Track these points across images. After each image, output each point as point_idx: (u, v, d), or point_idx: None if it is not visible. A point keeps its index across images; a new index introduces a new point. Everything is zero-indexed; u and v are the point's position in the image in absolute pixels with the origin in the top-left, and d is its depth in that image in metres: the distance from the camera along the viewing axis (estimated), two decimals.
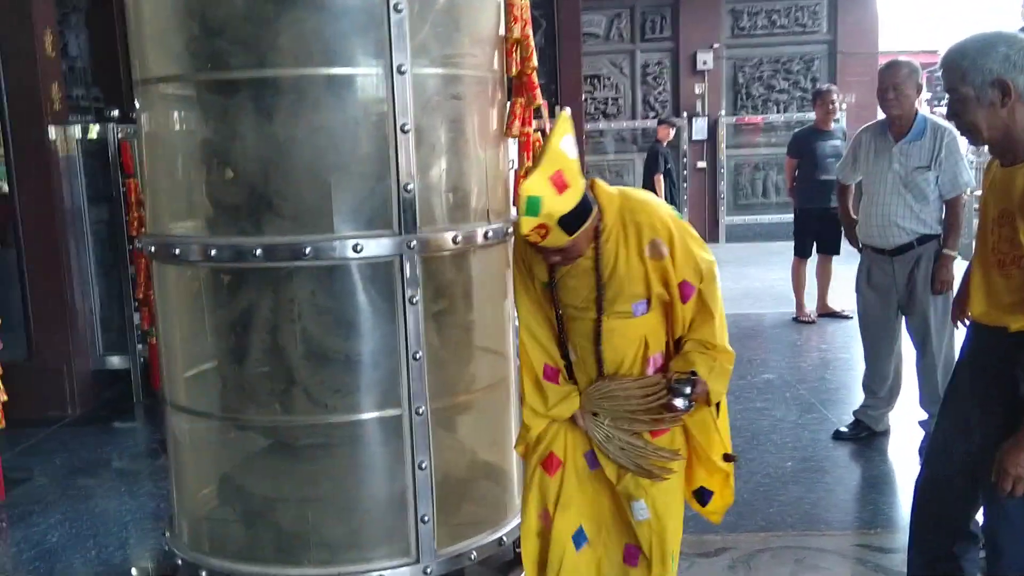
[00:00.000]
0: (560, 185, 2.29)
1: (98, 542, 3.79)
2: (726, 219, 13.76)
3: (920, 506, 2.65)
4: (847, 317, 7.43)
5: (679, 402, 2.45)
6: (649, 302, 2.53)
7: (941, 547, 2.58)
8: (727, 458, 2.65)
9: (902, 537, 3.53)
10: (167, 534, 3.28)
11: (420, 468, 2.95)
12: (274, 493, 3.10)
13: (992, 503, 2.33)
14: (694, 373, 2.46)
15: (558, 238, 2.33)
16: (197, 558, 3.10)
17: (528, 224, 2.29)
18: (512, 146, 3.57)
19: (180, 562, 3.13)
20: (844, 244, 6.89)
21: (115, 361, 5.95)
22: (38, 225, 5.53)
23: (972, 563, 2.55)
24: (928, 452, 2.69)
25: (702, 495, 2.78)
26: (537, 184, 2.28)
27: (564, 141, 2.33)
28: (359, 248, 2.80)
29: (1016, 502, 2.26)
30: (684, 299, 2.51)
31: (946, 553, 2.57)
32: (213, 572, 3.03)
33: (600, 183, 2.54)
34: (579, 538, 2.65)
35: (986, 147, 2.41)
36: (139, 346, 5.85)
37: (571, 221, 2.32)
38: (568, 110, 2.47)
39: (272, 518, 3.08)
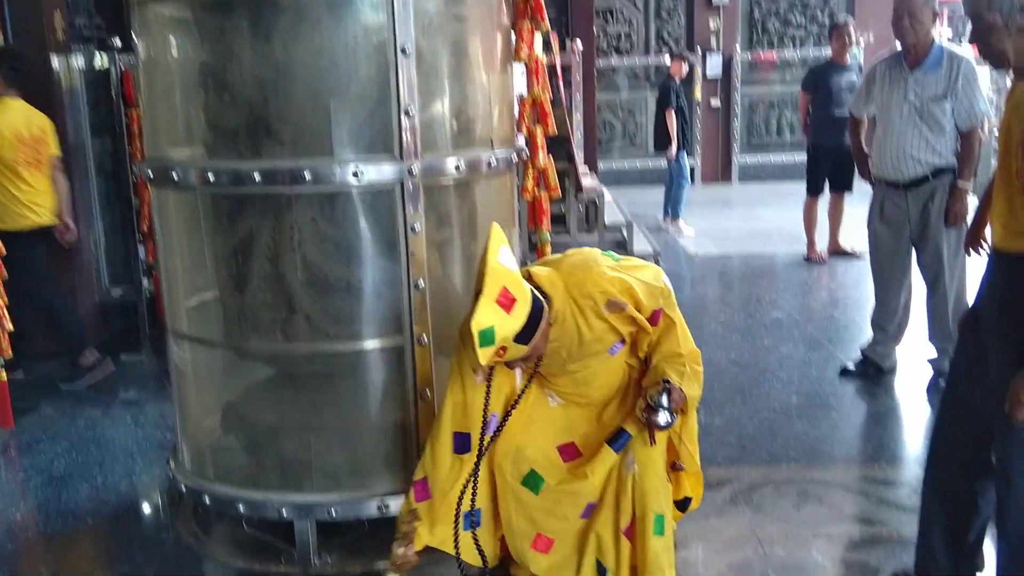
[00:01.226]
0: (507, 304, 2.31)
1: (104, 470, 3.82)
2: (739, 159, 13.59)
3: (937, 439, 2.62)
4: (858, 256, 7.37)
5: (661, 418, 2.47)
6: (624, 340, 2.61)
7: (958, 483, 2.55)
8: (674, 467, 2.69)
9: (906, 471, 3.53)
10: (171, 462, 3.29)
11: (422, 398, 2.95)
12: (277, 421, 3.11)
13: (1005, 433, 2.30)
14: (667, 381, 2.49)
15: (516, 352, 2.37)
16: (201, 485, 3.12)
17: (485, 355, 2.30)
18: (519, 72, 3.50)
19: (184, 488, 3.15)
20: (857, 182, 6.82)
21: (121, 294, 5.95)
22: None
23: (986, 498, 2.52)
24: (947, 385, 2.64)
25: (684, 503, 2.82)
26: (485, 314, 2.28)
27: (500, 255, 2.33)
28: (359, 174, 2.75)
29: None
30: (655, 323, 2.60)
31: (964, 489, 2.54)
32: (216, 498, 3.05)
33: (536, 272, 2.53)
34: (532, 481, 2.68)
35: (1009, 73, 2.33)
36: (144, 279, 5.84)
37: (526, 332, 2.35)
38: (496, 225, 2.45)
39: (275, 446, 3.08)
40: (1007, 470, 2.33)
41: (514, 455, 2.64)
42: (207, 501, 3.07)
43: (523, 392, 2.65)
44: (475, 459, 2.61)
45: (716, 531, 3.09)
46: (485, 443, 2.60)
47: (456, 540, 2.66)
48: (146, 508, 3.54)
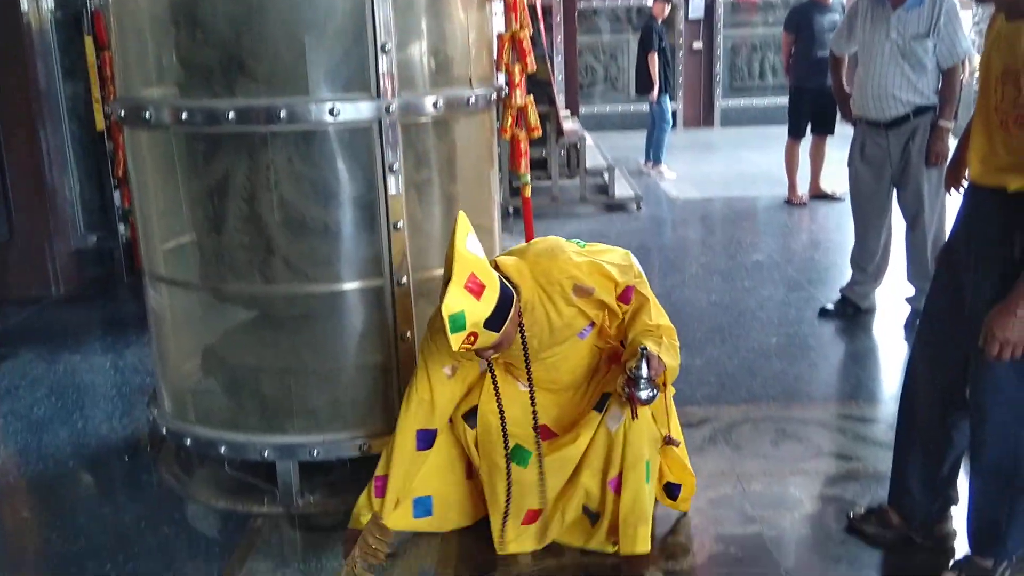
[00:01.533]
0: (477, 289, 2.30)
1: (84, 414, 3.81)
2: (721, 102, 13.53)
3: (912, 374, 2.63)
4: (839, 199, 7.39)
5: (643, 393, 2.45)
6: (593, 323, 2.63)
7: (931, 417, 2.58)
8: (668, 441, 2.67)
9: (883, 408, 3.57)
10: (151, 406, 3.29)
11: (403, 339, 2.94)
12: (257, 364, 3.10)
13: (981, 368, 2.32)
14: (644, 349, 2.46)
15: (487, 339, 2.35)
16: (182, 428, 3.12)
17: (457, 341, 2.29)
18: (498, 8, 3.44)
19: (165, 431, 3.15)
20: (839, 126, 6.80)
21: (97, 240, 5.88)
22: (11, 100, 5.36)
23: (962, 433, 2.55)
24: (922, 319, 2.65)
25: (671, 490, 2.83)
26: (455, 299, 2.26)
27: (467, 242, 2.33)
28: (336, 112, 2.71)
29: (1007, 368, 2.25)
30: (627, 301, 2.62)
31: (937, 423, 2.56)
32: (198, 440, 3.06)
33: (503, 261, 2.52)
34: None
35: (990, 6, 2.31)
36: (121, 225, 5.77)
37: (496, 319, 2.33)
38: (463, 213, 2.42)
39: (255, 388, 3.08)
40: (981, 405, 2.35)
41: (496, 433, 2.63)
42: (188, 443, 3.08)
43: (489, 374, 2.64)
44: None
45: (696, 468, 3.11)
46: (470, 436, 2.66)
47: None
48: (127, 452, 3.53)
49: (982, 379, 2.33)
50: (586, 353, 2.71)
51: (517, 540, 2.67)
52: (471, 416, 2.66)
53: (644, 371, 2.43)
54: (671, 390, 2.71)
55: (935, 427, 2.57)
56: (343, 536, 2.68)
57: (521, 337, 2.52)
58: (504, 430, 2.60)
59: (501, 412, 2.59)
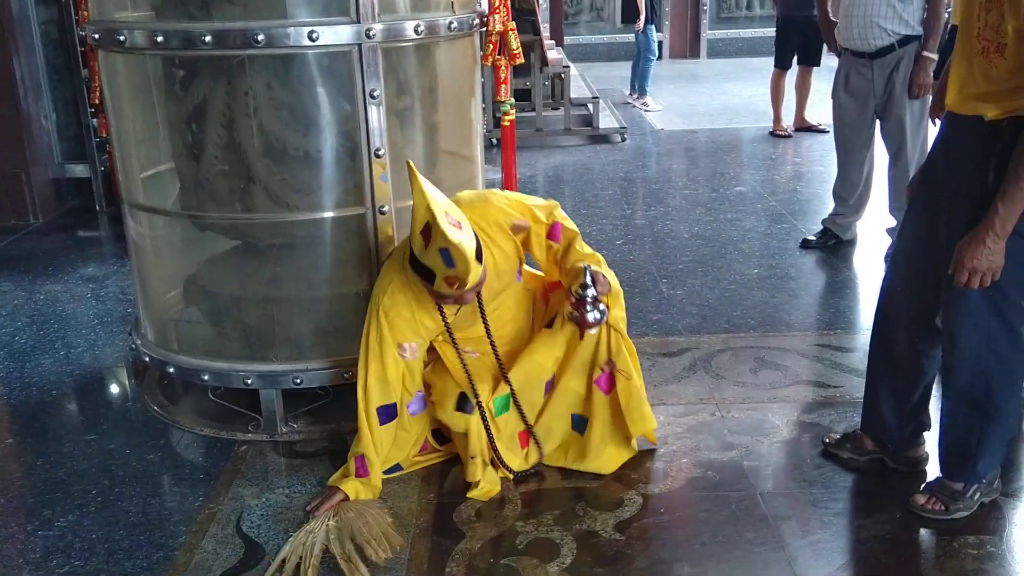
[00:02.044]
0: (456, 224, 2.38)
1: (67, 343, 3.80)
2: (708, 33, 13.37)
3: (884, 301, 2.66)
4: (824, 131, 7.36)
5: (591, 315, 2.49)
6: (520, 269, 2.78)
7: (903, 343, 2.61)
8: (614, 367, 2.70)
9: (861, 338, 3.61)
10: (133, 335, 3.28)
11: None
12: (239, 292, 3.09)
13: (953, 295, 2.34)
14: (588, 267, 2.51)
15: (476, 272, 2.39)
16: (165, 356, 3.12)
17: (477, 271, 2.37)
18: None
19: (148, 360, 3.16)
20: (825, 57, 6.74)
21: (75, 170, 5.80)
22: None
23: (933, 360, 2.59)
24: (895, 246, 2.68)
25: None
26: (449, 232, 2.31)
27: (427, 187, 2.37)
28: (315, 36, 2.66)
29: (979, 295, 2.28)
30: (556, 238, 2.72)
31: (908, 349, 2.60)
32: (181, 368, 3.06)
33: None
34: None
35: None
36: (99, 154, 5.69)
37: (478, 251, 2.41)
38: (410, 161, 2.47)
39: (238, 317, 3.08)
40: (953, 331, 2.38)
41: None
42: (172, 372, 3.08)
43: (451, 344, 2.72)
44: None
45: (676, 395, 3.17)
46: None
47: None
48: (111, 380, 3.54)
49: (955, 306, 2.36)
50: (524, 296, 2.87)
51: (495, 475, 2.71)
52: (464, 403, 2.64)
53: (591, 291, 2.48)
54: (621, 317, 2.73)
55: (907, 354, 2.61)
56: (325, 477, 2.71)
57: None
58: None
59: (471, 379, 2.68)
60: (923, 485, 2.58)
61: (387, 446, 2.68)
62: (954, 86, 2.35)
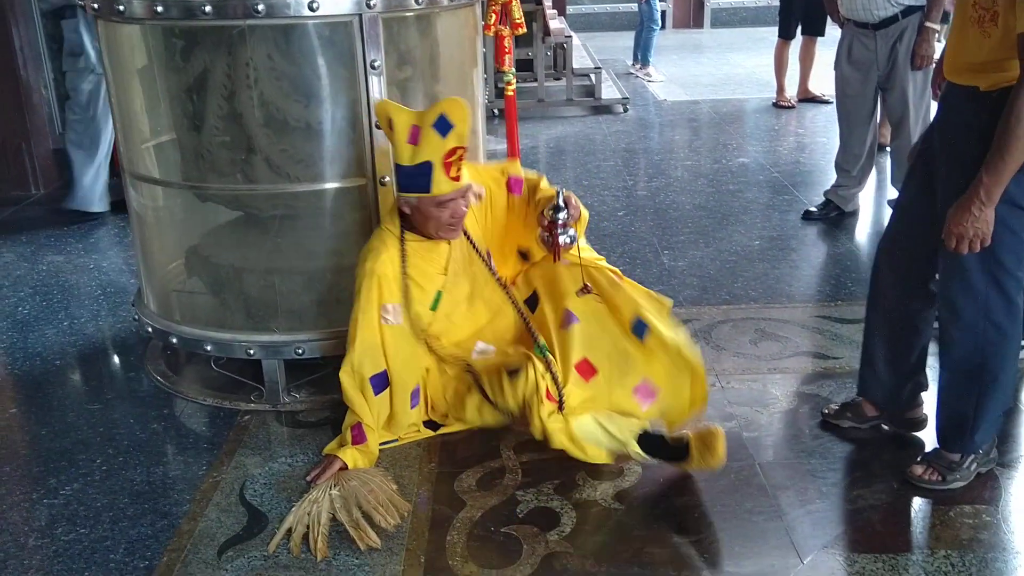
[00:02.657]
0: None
1: (70, 314, 3.82)
2: (712, 3, 13.26)
3: (880, 264, 2.68)
4: (827, 102, 7.32)
5: (564, 237, 2.64)
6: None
7: (898, 306, 2.64)
8: (586, 290, 2.73)
9: (862, 310, 3.58)
10: (136, 305, 3.30)
11: None
12: (241, 263, 3.10)
13: (949, 265, 2.35)
14: (560, 190, 2.66)
15: (463, 161, 2.55)
16: (168, 326, 3.13)
17: (449, 144, 2.50)
18: None
19: (151, 330, 3.17)
20: (829, 27, 6.69)
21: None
22: None
23: (927, 323, 2.62)
24: (893, 211, 2.70)
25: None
26: (436, 106, 2.52)
27: (395, 110, 2.57)
28: (315, 6, 2.65)
29: (976, 265, 2.29)
30: (518, 191, 2.85)
31: (903, 312, 2.63)
32: (184, 339, 3.08)
33: None
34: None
35: None
36: None
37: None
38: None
39: (240, 287, 3.09)
40: (951, 302, 2.40)
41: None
42: (174, 342, 3.10)
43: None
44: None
45: None
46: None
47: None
48: (114, 350, 3.56)
49: (952, 276, 2.38)
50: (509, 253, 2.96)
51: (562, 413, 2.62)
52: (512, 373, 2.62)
53: (563, 213, 2.62)
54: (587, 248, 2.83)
55: (899, 311, 2.64)
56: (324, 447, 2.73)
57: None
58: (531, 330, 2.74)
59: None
60: (920, 456, 2.59)
61: (384, 415, 2.70)
62: (950, 55, 2.36)
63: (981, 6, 2.21)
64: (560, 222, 2.62)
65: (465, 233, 2.76)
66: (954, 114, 2.36)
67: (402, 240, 2.69)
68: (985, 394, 2.42)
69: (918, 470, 2.54)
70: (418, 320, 2.68)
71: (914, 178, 2.54)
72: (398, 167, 2.60)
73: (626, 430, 2.59)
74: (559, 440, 2.57)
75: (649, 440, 2.60)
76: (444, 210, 2.59)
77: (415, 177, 2.55)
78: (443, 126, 2.48)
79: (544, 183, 2.81)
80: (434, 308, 2.73)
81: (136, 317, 3.26)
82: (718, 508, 2.45)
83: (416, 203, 2.60)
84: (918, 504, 2.46)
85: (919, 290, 2.57)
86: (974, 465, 2.52)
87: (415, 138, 2.51)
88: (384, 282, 2.64)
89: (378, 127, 2.72)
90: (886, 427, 2.78)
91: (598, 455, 2.61)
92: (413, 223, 2.67)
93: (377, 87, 2.79)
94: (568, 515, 2.43)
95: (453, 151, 2.52)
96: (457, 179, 2.57)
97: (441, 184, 2.54)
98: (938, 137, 2.42)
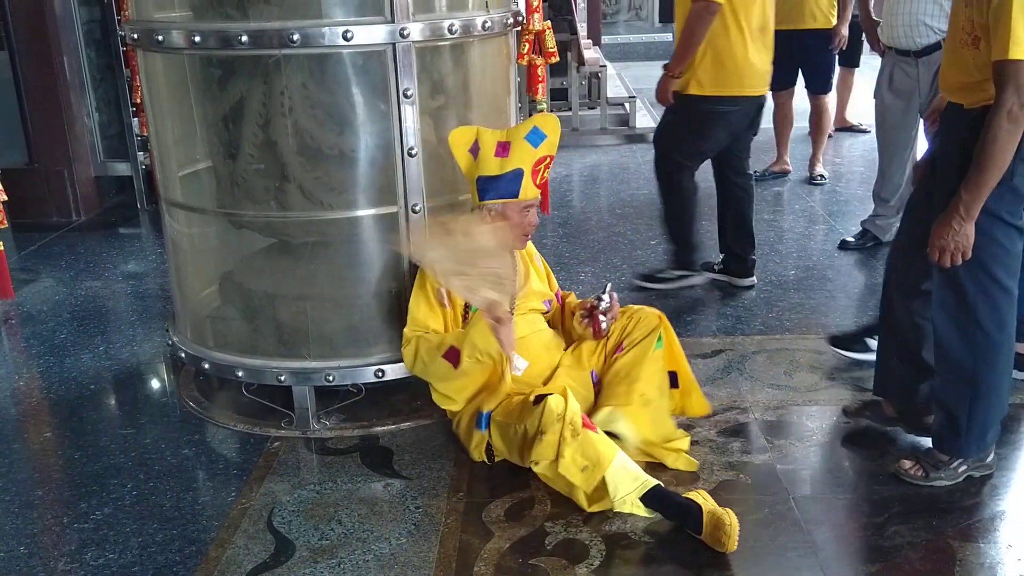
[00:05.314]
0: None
1: (106, 339, 3.86)
2: None
3: (888, 269, 2.85)
4: (864, 131, 7.25)
5: (604, 324, 2.83)
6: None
7: (900, 306, 2.76)
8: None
9: None
10: (170, 331, 3.33)
11: (417, 266, 2.94)
12: (274, 290, 3.11)
13: (940, 273, 2.49)
14: (609, 285, 2.87)
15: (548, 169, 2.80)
16: (201, 352, 3.15)
17: (546, 148, 2.72)
18: None
19: (184, 355, 3.19)
20: (865, 56, 6.64)
21: (117, 168, 5.89)
22: (28, 26, 5.34)
23: (927, 320, 2.68)
24: (902, 218, 2.86)
25: (672, 378, 2.94)
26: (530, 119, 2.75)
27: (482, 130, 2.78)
28: (349, 35, 2.68)
29: (965, 274, 2.42)
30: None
31: (905, 313, 2.76)
32: (216, 364, 3.10)
33: None
34: None
35: None
36: (140, 153, 5.77)
37: None
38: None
39: (272, 314, 3.10)
40: (943, 309, 2.54)
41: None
42: (207, 367, 3.12)
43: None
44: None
45: (709, 397, 3.12)
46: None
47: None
48: (148, 375, 3.59)
49: (943, 284, 2.52)
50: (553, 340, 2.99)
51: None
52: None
53: (604, 303, 2.81)
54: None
55: (903, 314, 2.77)
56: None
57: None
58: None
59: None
60: (913, 450, 2.70)
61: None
62: (943, 74, 2.52)
63: (965, 30, 2.34)
64: (602, 308, 2.81)
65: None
66: (945, 130, 2.52)
67: None
68: (977, 399, 2.52)
69: (906, 464, 2.64)
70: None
71: (919, 190, 2.68)
72: (483, 179, 2.73)
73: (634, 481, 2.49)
74: (569, 466, 2.47)
75: (659, 496, 2.48)
76: (525, 215, 2.76)
77: (504, 184, 2.71)
78: (536, 137, 2.70)
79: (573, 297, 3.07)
80: (475, 309, 2.75)
81: (170, 343, 3.29)
82: (751, 543, 2.39)
83: (501, 209, 2.74)
84: (958, 543, 2.39)
85: (917, 290, 2.68)
86: (963, 468, 2.60)
87: (504, 151, 2.70)
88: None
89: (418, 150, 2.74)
90: (902, 425, 2.87)
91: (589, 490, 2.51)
92: None
93: (410, 116, 2.81)
94: (597, 547, 2.39)
95: (543, 159, 2.73)
96: (540, 187, 2.76)
97: (528, 190, 2.72)
98: (939, 152, 2.56)
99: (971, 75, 2.34)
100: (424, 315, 2.78)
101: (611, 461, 2.46)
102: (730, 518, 2.33)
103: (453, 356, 2.68)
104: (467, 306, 2.78)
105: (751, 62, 3.83)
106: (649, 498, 2.46)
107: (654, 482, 2.48)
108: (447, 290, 2.74)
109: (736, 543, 2.32)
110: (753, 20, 3.79)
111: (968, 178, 2.31)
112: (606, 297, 2.82)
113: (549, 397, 2.52)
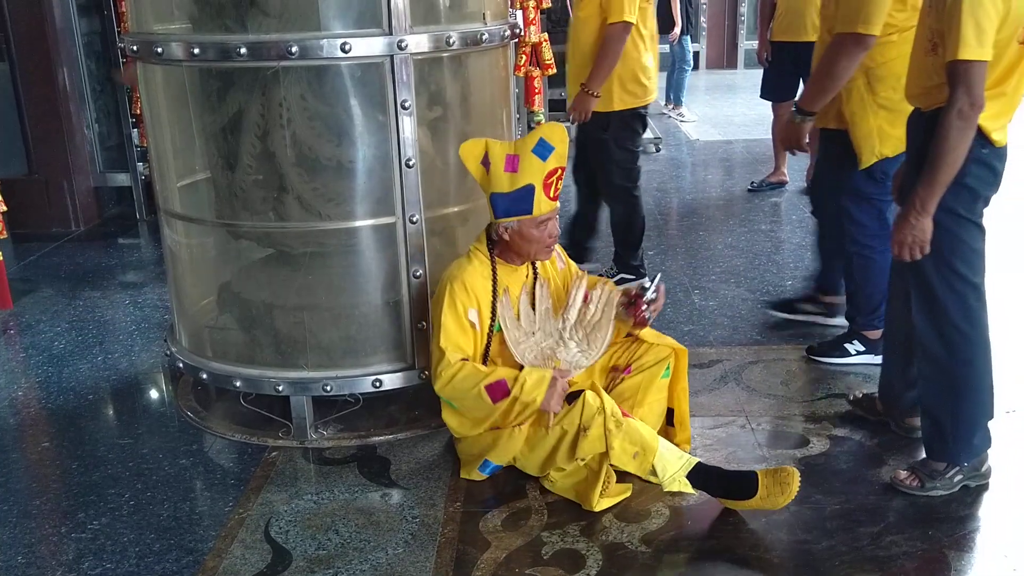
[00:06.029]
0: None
1: (104, 349, 3.87)
2: (745, 43, 13.27)
3: (891, 276, 2.90)
4: None
5: (645, 313, 2.77)
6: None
7: (898, 315, 2.81)
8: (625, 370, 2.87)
9: None
10: (168, 341, 3.33)
11: (415, 277, 2.96)
12: (271, 300, 3.13)
13: (912, 273, 2.57)
14: (660, 276, 2.83)
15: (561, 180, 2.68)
16: (199, 362, 3.16)
17: (556, 160, 2.61)
18: None
19: (182, 365, 3.20)
20: None
21: (117, 178, 5.91)
22: (28, 38, 5.36)
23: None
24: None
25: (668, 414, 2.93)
26: (535, 131, 2.64)
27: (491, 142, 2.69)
28: (347, 48, 2.69)
29: (932, 272, 2.51)
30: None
31: (901, 320, 2.78)
32: (214, 374, 3.11)
33: None
34: None
35: None
36: (140, 164, 5.79)
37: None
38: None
39: (270, 324, 3.11)
40: (918, 310, 2.58)
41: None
42: (205, 377, 3.13)
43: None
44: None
45: (706, 407, 3.14)
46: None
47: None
48: (146, 385, 3.60)
49: (914, 284, 2.60)
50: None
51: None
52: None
53: (649, 292, 2.76)
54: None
55: (898, 324, 2.82)
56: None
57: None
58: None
59: None
60: (908, 464, 2.72)
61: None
62: (907, 79, 2.59)
63: (926, 37, 2.42)
64: (647, 298, 2.75)
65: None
66: (913, 133, 2.59)
67: (492, 260, 2.74)
68: (959, 400, 2.57)
69: (902, 475, 2.66)
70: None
71: (902, 193, 2.70)
72: (496, 195, 2.66)
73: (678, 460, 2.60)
74: (621, 455, 2.54)
75: (703, 472, 2.59)
76: (543, 229, 2.69)
77: (516, 201, 2.63)
78: (543, 149, 2.60)
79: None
80: (499, 328, 2.72)
81: (168, 352, 3.30)
82: (745, 553, 2.40)
83: (517, 227, 2.67)
84: (952, 553, 2.40)
85: (906, 296, 2.71)
86: (958, 476, 2.62)
87: (513, 165, 2.62)
88: (470, 289, 2.67)
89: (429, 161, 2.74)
90: (890, 424, 2.96)
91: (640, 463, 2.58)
92: (510, 247, 2.71)
93: (408, 127, 2.83)
94: (594, 557, 2.39)
95: (554, 171, 2.63)
96: (554, 199, 2.68)
97: (542, 205, 2.63)
98: (911, 154, 2.64)
99: (931, 79, 2.43)
100: (457, 335, 2.65)
101: (658, 443, 2.57)
102: (792, 468, 2.52)
103: (499, 389, 2.57)
104: (491, 327, 2.71)
105: (653, 69, 4.15)
106: (695, 474, 2.57)
107: (696, 460, 2.60)
108: (478, 311, 2.68)
109: (797, 488, 2.46)
110: (648, 28, 4.09)
111: (923, 174, 2.39)
112: (651, 286, 2.78)
113: (585, 392, 2.56)
